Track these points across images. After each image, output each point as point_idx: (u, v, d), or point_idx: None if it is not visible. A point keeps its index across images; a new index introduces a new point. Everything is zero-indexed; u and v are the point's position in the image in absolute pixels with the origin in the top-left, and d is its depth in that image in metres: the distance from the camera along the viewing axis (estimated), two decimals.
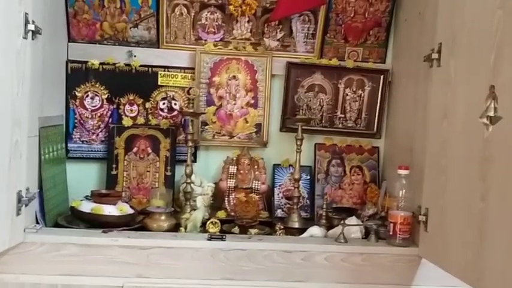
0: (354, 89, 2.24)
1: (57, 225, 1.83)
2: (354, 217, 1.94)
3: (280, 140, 2.23)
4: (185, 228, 1.87)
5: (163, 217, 1.86)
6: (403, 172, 1.82)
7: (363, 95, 2.24)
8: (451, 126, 1.58)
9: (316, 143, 2.25)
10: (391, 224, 1.79)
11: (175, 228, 1.87)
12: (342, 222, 1.85)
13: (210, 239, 1.74)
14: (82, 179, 2.12)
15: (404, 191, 1.81)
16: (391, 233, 1.79)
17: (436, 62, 1.68)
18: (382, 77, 2.22)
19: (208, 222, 1.85)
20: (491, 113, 1.36)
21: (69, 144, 2.13)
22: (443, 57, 1.65)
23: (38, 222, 1.75)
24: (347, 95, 2.24)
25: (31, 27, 1.59)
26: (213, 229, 1.83)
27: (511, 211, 1.26)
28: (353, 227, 1.88)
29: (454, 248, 1.52)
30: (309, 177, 2.22)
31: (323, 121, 2.24)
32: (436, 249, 1.63)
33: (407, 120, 2.03)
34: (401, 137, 2.10)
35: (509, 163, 1.28)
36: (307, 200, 2.20)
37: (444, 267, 1.57)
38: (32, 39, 1.62)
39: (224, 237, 1.76)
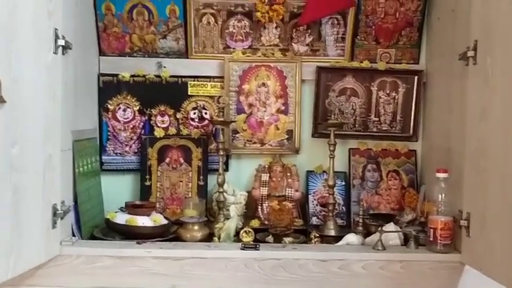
0: (388, 92, 2.19)
1: (93, 237, 1.84)
2: (391, 223, 1.88)
3: (313, 146, 2.20)
4: (219, 238, 1.86)
5: (196, 227, 1.85)
6: (441, 175, 1.76)
7: (397, 97, 2.19)
8: (489, 126, 1.52)
9: (350, 148, 2.20)
10: (431, 230, 1.73)
11: (208, 238, 1.86)
12: (379, 229, 1.79)
13: (243, 248, 1.72)
14: (117, 190, 2.14)
15: (443, 195, 1.74)
16: (431, 239, 1.73)
17: (472, 60, 1.63)
18: (416, 78, 2.16)
19: (241, 231, 1.83)
20: None
21: (103, 157, 2.16)
22: (479, 55, 1.60)
23: (74, 235, 1.77)
24: (380, 97, 2.19)
25: (61, 42, 1.62)
26: (246, 238, 1.81)
27: None
28: (391, 233, 1.82)
29: (498, 253, 1.45)
30: (344, 183, 2.17)
31: (356, 125, 2.20)
32: (479, 255, 1.56)
33: (444, 121, 1.97)
34: (439, 139, 2.03)
35: None
36: (343, 207, 2.15)
37: (489, 274, 1.50)
38: (63, 54, 1.65)
39: (258, 246, 1.73)
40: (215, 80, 2.18)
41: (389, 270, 1.69)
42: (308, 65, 2.17)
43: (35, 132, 1.51)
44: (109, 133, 2.17)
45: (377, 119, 2.20)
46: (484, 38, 1.56)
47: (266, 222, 1.99)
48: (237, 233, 1.86)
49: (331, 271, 1.69)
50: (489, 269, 1.50)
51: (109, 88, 2.16)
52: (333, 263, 1.69)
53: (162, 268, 1.68)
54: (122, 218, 1.86)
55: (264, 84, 2.18)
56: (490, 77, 1.52)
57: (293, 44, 2.18)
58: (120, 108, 2.17)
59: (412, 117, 2.18)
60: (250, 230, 1.83)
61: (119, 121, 2.17)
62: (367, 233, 1.91)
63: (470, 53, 1.62)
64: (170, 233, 1.89)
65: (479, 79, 1.59)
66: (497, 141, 1.47)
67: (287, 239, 1.85)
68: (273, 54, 2.17)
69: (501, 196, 1.44)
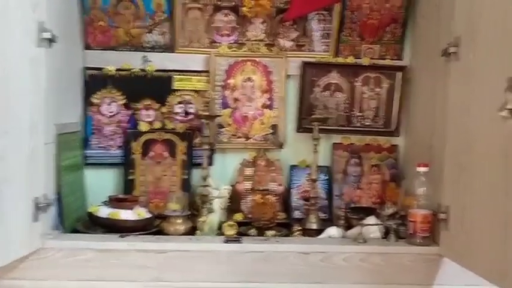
0: (371, 87, 2.21)
1: (75, 230, 1.84)
2: (372, 216, 1.90)
3: (297, 141, 2.21)
4: (202, 231, 1.86)
5: (179, 220, 1.86)
6: (422, 169, 1.78)
7: (380, 92, 2.21)
8: (471, 122, 1.54)
9: (334, 142, 2.22)
10: (411, 223, 1.76)
11: (192, 231, 1.87)
12: (360, 222, 1.81)
13: (226, 241, 1.73)
14: (100, 184, 2.13)
15: (423, 188, 1.77)
16: (411, 232, 1.76)
17: (454, 56, 1.64)
18: (399, 73, 2.18)
19: (224, 224, 1.84)
20: (511, 106, 1.31)
21: (87, 151, 2.15)
22: (461, 51, 1.61)
23: (56, 228, 1.77)
24: (364, 93, 2.21)
25: (46, 35, 1.61)
26: (229, 231, 1.82)
27: None
28: (372, 226, 1.84)
29: (477, 246, 1.48)
30: (327, 177, 2.19)
31: (340, 120, 2.21)
32: (458, 247, 1.59)
33: (427, 117, 1.99)
34: (421, 134, 2.06)
35: None
36: (325, 201, 2.17)
37: (467, 266, 1.53)
38: (48, 47, 1.64)
39: (241, 239, 1.75)
40: (201, 74, 2.18)
41: (370, 262, 1.72)
42: (294, 61, 2.18)
43: (19, 124, 1.51)
44: (93, 127, 2.16)
45: (360, 114, 2.22)
46: (467, 34, 1.57)
47: (249, 215, 2.00)
48: (220, 227, 1.87)
49: (313, 263, 1.71)
50: (467, 261, 1.53)
51: (94, 82, 2.14)
52: (314, 256, 1.71)
53: (145, 261, 1.69)
54: (104, 212, 1.86)
55: (249, 79, 2.19)
56: (472, 73, 1.53)
57: (279, 39, 2.18)
58: (105, 102, 2.16)
59: (395, 112, 2.20)
60: (234, 223, 1.85)
61: (103, 115, 2.16)
62: (348, 226, 1.93)
63: (453, 49, 1.64)
64: (153, 227, 1.90)
65: (461, 75, 1.60)
66: (478, 137, 1.49)
67: (270, 232, 1.87)
68: (258, 49, 2.18)
69: (480, 190, 1.47)
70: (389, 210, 2.00)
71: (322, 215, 2.10)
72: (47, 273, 1.67)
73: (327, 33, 2.18)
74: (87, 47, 2.14)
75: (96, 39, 2.14)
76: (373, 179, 2.18)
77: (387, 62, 2.20)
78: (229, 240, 1.74)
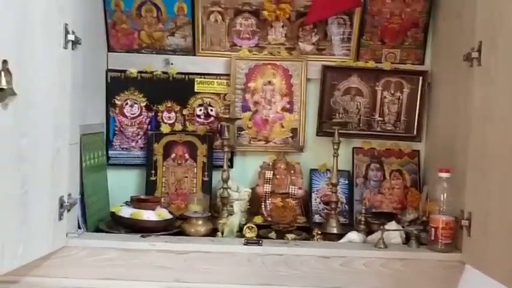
0: (392, 92, 2.20)
1: (98, 230, 1.87)
2: (393, 222, 1.90)
3: (317, 145, 2.21)
4: (222, 233, 1.88)
5: (200, 222, 1.87)
6: (444, 175, 1.77)
7: (401, 97, 2.20)
8: (492, 127, 1.53)
9: (354, 147, 2.21)
10: (433, 229, 1.74)
11: (212, 233, 1.88)
12: (381, 227, 1.81)
13: (246, 243, 1.74)
14: (122, 185, 2.16)
15: (445, 194, 1.75)
16: (432, 238, 1.74)
17: (476, 61, 1.63)
18: (421, 78, 2.17)
19: (245, 227, 1.85)
20: None
21: (109, 151, 2.18)
22: (483, 56, 1.60)
23: (79, 227, 1.80)
24: (385, 97, 2.20)
25: (71, 37, 1.64)
26: (249, 234, 1.83)
27: None
28: (393, 232, 1.83)
29: (500, 253, 1.46)
30: (347, 181, 2.19)
31: (361, 125, 2.21)
32: (479, 254, 1.57)
33: (448, 122, 1.98)
34: (443, 139, 2.04)
35: None
36: (346, 205, 2.17)
37: (488, 273, 1.51)
38: (72, 49, 1.66)
39: (261, 242, 1.75)
40: (221, 77, 2.20)
41: (390, 268, 1.71)
42: (314, 64, 2.19)
43: (45, 125, 1.54)
44: (116, 128, 2.19)
45: (381, 118, 2.21)
46: (488, 39, 1.56)
47: (269, 218, 2.01)
48: (240, 229, 1.88)
49: (333, 268, 1.70)
50: (490, 268, 1.51)
51: (117, 84, 2.18)
52: (334, 260, 1.71)
53: (165, 261, 1.70)
54: (127, 212, 1.88)
55: (269, 82, 2.20)
56: (494, 78, 1.52)
57: (299, 43, 2.19)
58: (127, 103, 2.19)
59: (416, 117, 2.19)
60: (253, 226, 1.85)
61: (126, 116, 2.20)
62: (369, 231, 1.92)
63: (475, 54, 1.63)
64: (174, 228, 1.91)
65: (484, 80, 1.59)
66: (500, 142, 1.48)
67: (290, 236, 1.87)
68: (279, 52, 2.19)
69: (503, 197, 1.45)
70: (410, 215, 2.00)
71: (342, 220, 2.10)
72: (70, 271, 1.70)
73: (348, 37, 2.18)
74: (111, 49, 2.18)
75: (119, 42, 2.17)
76: (394, 184, 2.17)
77: (408, 66, 2.19)
78: (249, 242, 1.75)
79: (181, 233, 1.87)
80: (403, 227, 1.91)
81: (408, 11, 2.12)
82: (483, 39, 1.60)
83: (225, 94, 2.17)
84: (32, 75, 1.45)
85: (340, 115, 2.18)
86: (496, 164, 1.50)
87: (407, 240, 1.82)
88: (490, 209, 1.53)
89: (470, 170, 1.65)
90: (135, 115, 2.20)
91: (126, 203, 1.97)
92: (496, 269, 1.47)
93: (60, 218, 1.62)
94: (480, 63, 1.62)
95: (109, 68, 2.18)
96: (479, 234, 1.59)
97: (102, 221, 1.93)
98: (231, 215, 1.96)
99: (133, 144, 2.20)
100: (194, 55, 2.19)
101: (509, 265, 1.39)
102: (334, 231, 1.98)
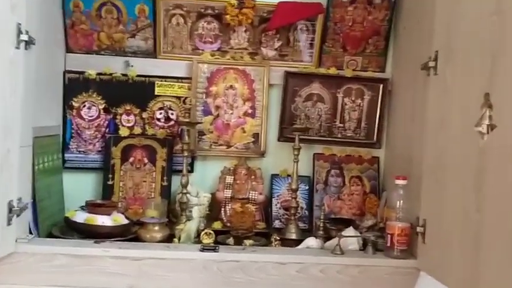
0: (353, 99, 2.21)
1: (51, 235, 1.81)
2: (351, 228, 1.90)
3: (278, 150, 2.21)
4: (179, 239, 1.85)
5: (156, 227, 1.84)
6: (400, 182, 1.79)
7: (362, 104, 2.21)
8: (447, 136, 1.55)
9: (315, 153, 2.22)
10: (389, 235, 1.75)
11: (169, 239, 1.85)
12: (338, 233, 1.81)
13: (202, 250, 1.71)
14: (79, 189, 2.11)
15: (402, 201, 1.77)
16: (388, 245, 1.75)
17: (433, 70, 1.66)
18: (381, 86, 2.19)
19: (202, 233, 1.83)
20: (486, 122, 1.33)
21: (66, 154, 2.13)
22: (439, 65, 1.63)
23: (31, 233, 1.74)
24: (346, 104, 2.21)
25: (24, 37, 1.59)
26: (207, 240, 1.81)
27: (506, 222, 1.22)
28: (350, 238, 1.84)
29: (450, 261, 1.48)
30: (307, 187, 2.19)
31: (322, 131, 2.22)
32: (433, 261, 1.59)
33: (406, 129, 2.00)
34: (401, 147, 2.07)
35: (505, 173, 1.24)
36: (306, 211, 2.17)
37: (441, 280, 1.53)
38: (26, 49, 1.61)
39: (217, 248, 1.73)
40: (183, 81, 2.17)
41: (347, 274, 1.70)
42: (276, 70, 2.18)
43: None
44: (73, 131, 2.14)
45: (342, 125, 2.22)
46: (445, 48, 1.59)
47: (228, 224, 1.99)
48: (198, 235, 1.86)
49: (290, 274, 1.69)
50: (443, 276, 1.52)
51: (75, 85, 2.13)
52: (291, 266, 1.70)
53: (119, 268, 1.66)
54: (81, 217, 1.83)
55: (231, 86, 2.18)
56: (449, 87, 1.55)
57: (262, 48, 2.19)
58: (85, 106, 2.15)
59: (377, 124, 2.21)
60: (211, 231, 1.83)
61: (83, 119, 2.15)
62: (327, 237, 1.92)
63: (431, 63, 1.66)
64: (131, 233, 1.87)
65: (439, 89, 1.62)
66: (453, 151, 1.50)
67: (248, 242, 1.85)
68: (241, 57, 2.18)
69: (456, 205, 1.47)
70: (368, 222, 2.01)
71: (302, 225, 2.10)
72: (19, 278, 1.64)
73: (310, 43, 2.19)
74: (69, 50, 2.13)
75: (78, 43, 2.13)
76: (354, 190, 2.18)
77: (370, 74, 2.21)
78: (205, 248, 1.72)
79: (137, 238, 1.83)
80: (360, 233, 1.92)
81: (370, 19, 2.14)
82: (439, 49, 1.63)
83: (186, 98, 2.14)
84: None
85: (302, 121, 2.18)
86: (449, 172, 1.52)
87: (364, 247, 1.83)
88: (443, 216, 1.54)
89: (425, 178, 1.67)
90: (93, 118, 2.15)
91: (82, 208, 1.92)
92: (449, 277, 1.48)
93: (8, 223, 1.56)
94: (436, 73, 1.64)
95: (67, 69, 2.13)
96: (433, 242, 1.61)
97: (56, 226, 1.87)
98: (190, 220, 1.93)
99: (90, 147, 2.15)
100: (155, 57, 2.16)
101: (462, 273, 1.41)
102: (293, 237, 1.97)
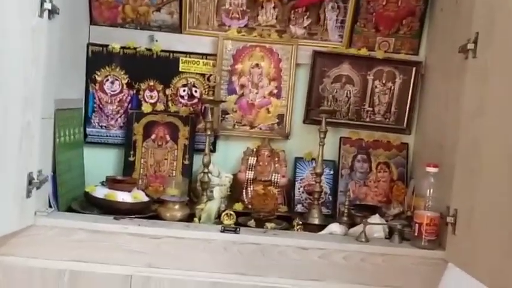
0: (384, 82, 2.13)
1: (70, 209, 1.79)
2: (377, 215, 1.84)
3: (303, 132, 2.14)
4: (199, 219, 1.81)
5: (177, 206, 1.80)
6: (431, 170, 1.71)
7: (393, 87, 2.13)
8: (484, 124, 1.47)
9: (342, 136, 2.14)
10: (417, 225, 1.69)
11: (189, 218, 1.81)
12: (364, 220, 1.75)
13: (223, 231, 1.68)
14: (100, 164, 2.08)
15: (432, 190, 1.69)
16: (416, 234, 1.69)
17: (472, 53, 1.57)
18: (414, 69, 2.10)
19: (223, 213, 1.79)
20: None
21: (87, 129, 2.10)
22: (479, 48, 1.54)
23: (50, 206, 1.72)
24: (376, 87, 2.13)
25: (48, 5, 1.55)
26: (227, 221, 1.77)
27: None
28: (376, 226, 1.78)
29: (482, 253, 1.41)
30: (332, 172, 2.12)
31: (349, 114, 2.14)
32: (464, 253, 1.52)
33: (439, 115, 1.92)
34: (432, 133, 1.98)
35: None
36: (329, 196, 2.10)
37: (471, 273, 1.46)
38: (49, 18, 1.58)
39: (238, 229, 1.69)
40: (208, 57, 2.11)
41: (371, 262, 1.65)
42: (304, 49, 2.10)
43: (14, 96, 1.45)
44: (95, 105, 2.11)
45: (371, 108, 2.14)
46: (486, 30, 1.50)
47: (250, 206, 1.94)
48: (219, 216, 1.82)
49: (311, 259, 1.65)
50: (473, 268, 1.46)
51: (98, 59, 2.09)
52: (313, 252, 1.65)
53: (138, 245, 1.64)
54: (101, 192, 1.81)
55: (257, 65, 2.11)
56: (489, 71, 1.46)
57: (290, 26, 2.11)
58: (108, 80, 2.10)
59: (407, 109, 2.12)
60: (232, 213, 1.79)
61: (106, 93, 2.11)
62: (351, 224, 1.87)
63: (470, 46, 1.57)
64: (150, 211, 1.84)
65: (478, 73, 1.53)
66: (491, 139, 1.42)
67: (269, 225, 1.80)
68: (269, 35, 2.11)
69: (490, 195, 1.40)
70: (395, 210, 1.95)
71: (325, 211, 2.04)
72: (37, 250, 1.63)
73: (341, 22, 2.10)
74: (93, 22, 2.08)
75: (102, 15, 2.08)
76: (381, 176, 2.10)
77: (402, 56, 2.12)
78: (226, 229, 1.68)
79: (157, 216, 1.80)
80: (386, 221, 1.85)
81: None
82: (480, 31, 1.54)
83: (210, 75, 2.08)
84: (3, 44, 1.37)
85: (329, 103, 2.11)
86: (484, 161, 1.45)
87: (390, 235, 1.77)
88: (476, 207, 1.47)
89: (458, 167, 1.60)
90: (116, 92, 2.11)
91: (102, 183, 1.89)
92: (480, 269, 1.42)
93: (28, 196, 1.55)
94: (475, 55, 1.56)
95: (90, 41, 2.09)
96: (464, 233, 1.54)
97: (76, 201, 1.85)
98: (211, 200, 1.89)
99: (112, 122, 2.12)
100: (180, 33, 2.10)
101: (493, 265, 1.35)
102: (316, 222, 1.92)
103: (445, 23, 1.96)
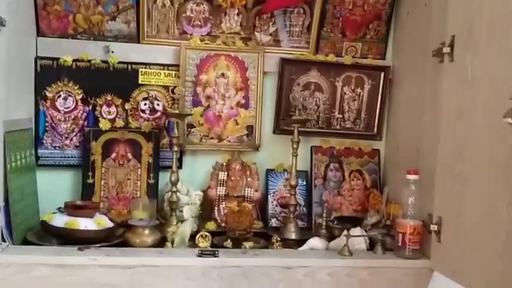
0: (353, 88, 2.09)
1: (26, 242, 1.63)
2: (358, 227, 1.78)
3: (274, 143, 2.07)
4: (172, 243, 1.69)
5: (146, 231, 1.67)
6: (412, 177, 1.68)
7: (362, 93, 2.09)
8: (468, 127, 1.45)
9: (312, 145, 2.09)
10: (400, 234, 1.65)
11: (160, 243, 1.69)
12: (345, 233, 1.69)
13: (200, 255, 1.57)
14: (54, 189, 1.93)
15: (413, 197, 1.66)
16: (399, 244, 1.65)
17: (448, 57, 1.56)
18: (382, 74, 2.07)
19: (197, 235, 1.67)
20: None
21: (39, 150, 1.94)
22: (457, 52, 1.53)
23: (4, 240, 1.56)
24: (345, 93, 2.09)
25: None
26: (203, 243, 1.65)
27: None
28: (357, 237, 1.72)
29: (473, 261, 1.39)
30: (305, 183, 2.06)
31: (319, 122, 2.08)
32: (451, 261, 1.50)
33: (412, 120, 1.90)
34: (405, 138, 1.96)
35: None
36: (304, 208, 2.04)
37: (459, 281, 1.44)
38: None
39: (216, 252, 1.58)
40: (169, 68, 2.00)
41: (356, 277, 1.61)
42: (271, 56, 2.04)
43: None
44: (47, 124, 1.95)
45: (341, 116, 2.10)
46: (463, 33, 1.48)
47: (223, 224, 1.84)
48: (192, 237, 1.70)
49: (296, 279, 1.58)
50: (460, 275, 1.44)
51: (48, 73, 1.93)
52: (297, 270, 1.58)
53: (109, 278, 1.51)
54: (60, 220, 1.66)
55: (223, 74, 2.02)
56: (470, 75, 1.45)
57: (256, 32, 2.03)
58: (60, 96, 1.95)
59: (377, 115, 2.09)
60: (207, 234, 1.68)
61: (58, 111, 1.95)
62: (330, 237, 1.81)
63: (446, 49, 1.55)
64: (116, 237, 1.71)
65: (457, 77, 1.52)
66: (475, 143, 1.41)
67: (247, 244, 1.71)
68: (233, 42, 2.02)
69: (479, 202, 1.38)
70: (372, 219, 1.91)
71: (300, 223, 1.97)
72: None
73: (307, 28, 2.04)
74: (40, 34, 1.92)
75: (51, 26, 1.92)
76: (354, 185, 2.06)
77: (369, 61, 2.09)
78: (203, 253, 1.57)
79: (125, 243, 1.67)
80: (365, 231, 1.80)
81: (371, 2, 2.02)
82: (456, 33, 1.52)
83: (174, 87, 1.97)
84: None
85: (299, 112, 2.05)
86: (469, 167, 1.43)
87: (371, 246, 1.72)
88: (463, 213, 1.46)
89: (440, 172, 1.58)
90: (70, 109, 1.96)
91: (60, 210, 1.74)
92: (470, 277, 1.40)
93: None
94: (453, 59, 1.54)
95: (38, 55, 1.92)
96: (450, 240, 1.52)
97: (31, 231, 1.69)
98: (181, 221, 1.78)
99: (67, 142, 1.96)
100: (138, 43, 1.98)
101: (482, 272, 1.33)
102: (293, 236, 1.84)
103: (412, 26, 1.95)
